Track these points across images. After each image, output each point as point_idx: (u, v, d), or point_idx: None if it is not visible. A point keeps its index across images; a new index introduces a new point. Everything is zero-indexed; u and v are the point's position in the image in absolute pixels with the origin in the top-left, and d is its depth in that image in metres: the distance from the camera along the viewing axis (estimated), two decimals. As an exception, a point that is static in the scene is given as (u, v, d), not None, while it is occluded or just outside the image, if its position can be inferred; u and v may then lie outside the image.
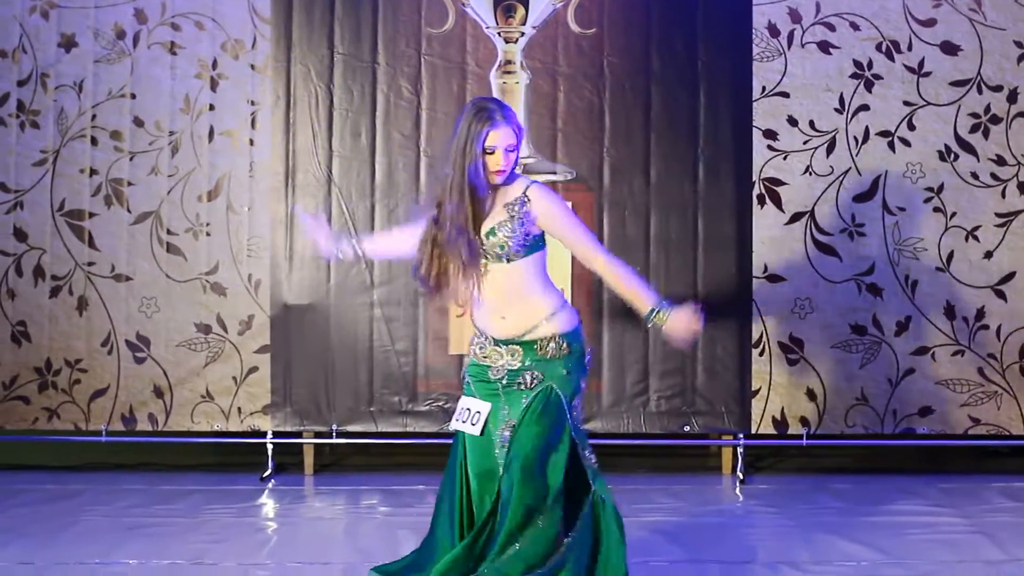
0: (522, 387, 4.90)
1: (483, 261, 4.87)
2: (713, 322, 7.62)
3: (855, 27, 7.75)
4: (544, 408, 4.86)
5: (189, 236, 7.81)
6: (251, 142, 7.80)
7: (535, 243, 4.91)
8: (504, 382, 4.92)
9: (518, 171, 4.99)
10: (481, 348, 5.01)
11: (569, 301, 5.04)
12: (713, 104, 7.73)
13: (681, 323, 4.85)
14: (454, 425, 5.01)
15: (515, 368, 4.91)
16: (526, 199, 4.88)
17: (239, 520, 6.78)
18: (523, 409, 4.87)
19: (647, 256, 7.71)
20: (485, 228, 4.85)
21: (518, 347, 4.92)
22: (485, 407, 4.94)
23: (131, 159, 7.81)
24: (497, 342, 4.95)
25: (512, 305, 4.90)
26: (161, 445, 8.12)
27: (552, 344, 4.90)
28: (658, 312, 4.86)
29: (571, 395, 4.93)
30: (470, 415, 4.96)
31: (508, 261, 4.87)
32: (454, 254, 4.85)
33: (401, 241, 5.28)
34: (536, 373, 4.90)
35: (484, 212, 4.86)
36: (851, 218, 7.73)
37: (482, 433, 4.93)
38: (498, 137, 4.82)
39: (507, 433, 4.88)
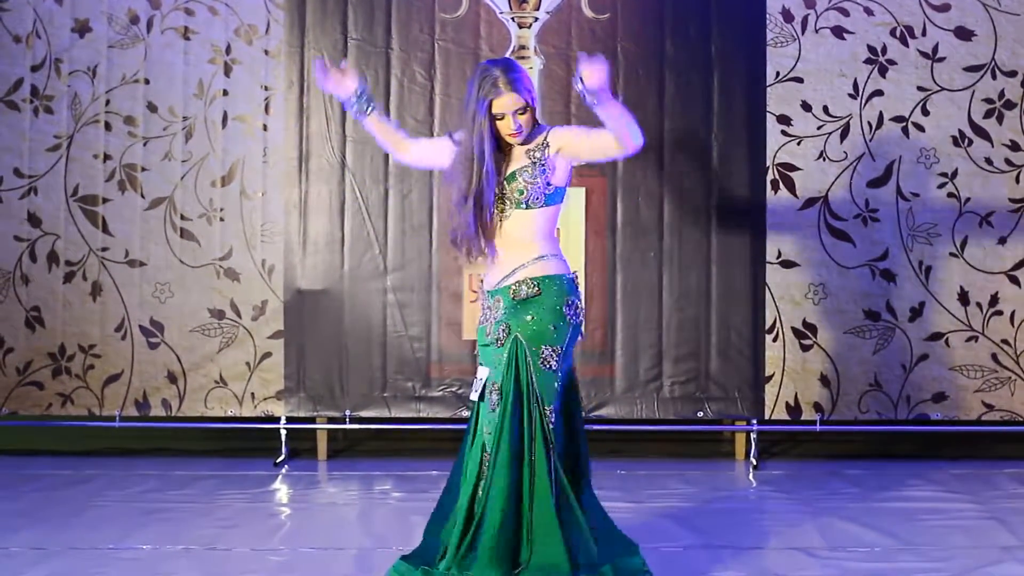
0: (500, 344, 4.87)
1: (501, 206, 4.87)
2: (727, 306, 7.70)
3: (869, 12, 7.73)
4: (517, 364, 4.82)
5: (203, 221, 7.82)
6: (264, 127, 7.81)
7: (555, 194, 4.91)
8: (491, 339, 4.91)
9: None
10: (483, 309, 5.02)
11: (583, 281, 5.02)
12: (727, 89, 7.72)
13: (589, 70, 4.66)
14: (472, 396, 5.01)
15: (499, 320, 4.90)
16: (546, 144, 4.89)
17: (252, 505, 6.79)
18: (502, 369, 4.85)
19: (660, 241, 7.70)
20: (506, 173, 4.87)
21: (499, 295, 4.91)
22: (485, 372, 4.95)
23: (145, 144, 7.81)
24: (490, 294, 4.95)
25: (511, 249, 4.90)
26: (175, 430, 8.13)
27: (524, 287, 4.85)
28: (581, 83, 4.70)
29: (537, 342, 4.82)
30: (476, 383, 4.98)
31: (527, 207, 4.86)
32: (471, 221, 4.84)
33: (436, 151, 5.22)
34: (504, 326, 4.86)
35: (499, 169, 4.86)
36: (865, 203, 7.72)
37: (481, 398, 4.94)
38: (503, 104, 4.81)
39: (495, 396, 4.85)
